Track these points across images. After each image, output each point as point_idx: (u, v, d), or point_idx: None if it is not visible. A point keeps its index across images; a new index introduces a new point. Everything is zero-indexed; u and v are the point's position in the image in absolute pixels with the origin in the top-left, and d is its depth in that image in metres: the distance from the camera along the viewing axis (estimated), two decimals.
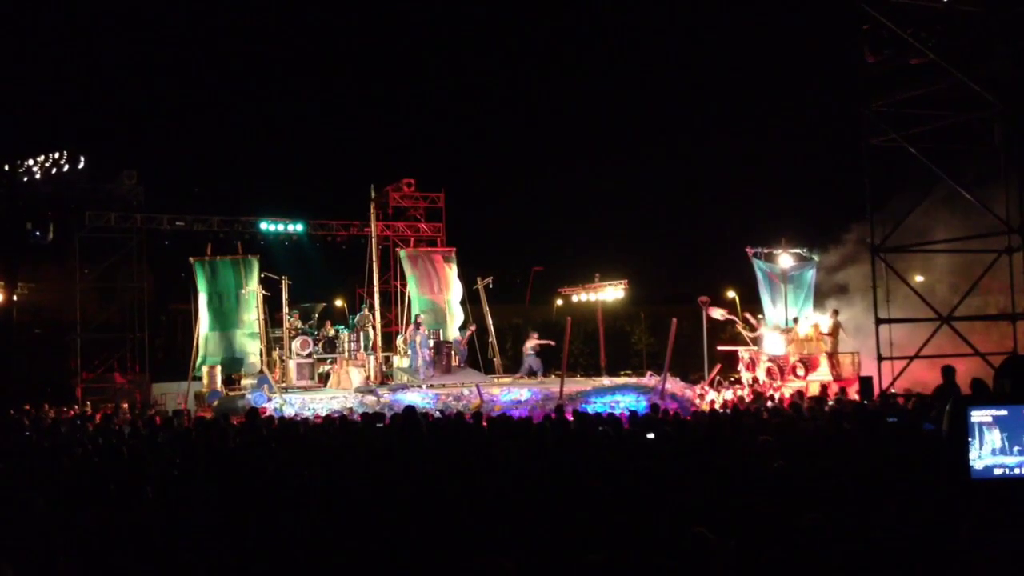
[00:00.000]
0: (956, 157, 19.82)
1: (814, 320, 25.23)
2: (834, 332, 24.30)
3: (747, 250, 26.85)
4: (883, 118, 19.44)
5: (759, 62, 40.83)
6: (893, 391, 18.61)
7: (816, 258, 26.83)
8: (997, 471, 4.67)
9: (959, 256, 21.13)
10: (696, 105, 43.49)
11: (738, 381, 25.67)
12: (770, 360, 25.02)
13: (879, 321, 19.23)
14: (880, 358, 19.14)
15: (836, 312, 24.69)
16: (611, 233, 42.02)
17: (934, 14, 18.43)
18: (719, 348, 27.21)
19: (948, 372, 13.23)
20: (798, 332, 25.07)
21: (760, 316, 26.42)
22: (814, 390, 21.92)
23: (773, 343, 25.37)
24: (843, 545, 5.61)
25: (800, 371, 24.27)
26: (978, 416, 4.66)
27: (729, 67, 43.18)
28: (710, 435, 11.21)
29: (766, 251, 26.84)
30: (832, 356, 24.17)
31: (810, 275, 26.56)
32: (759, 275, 26.73)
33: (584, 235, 43.17)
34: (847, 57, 19.90)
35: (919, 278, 23.46)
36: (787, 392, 21.79)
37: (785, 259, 26.61)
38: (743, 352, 26.01)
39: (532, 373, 26.51)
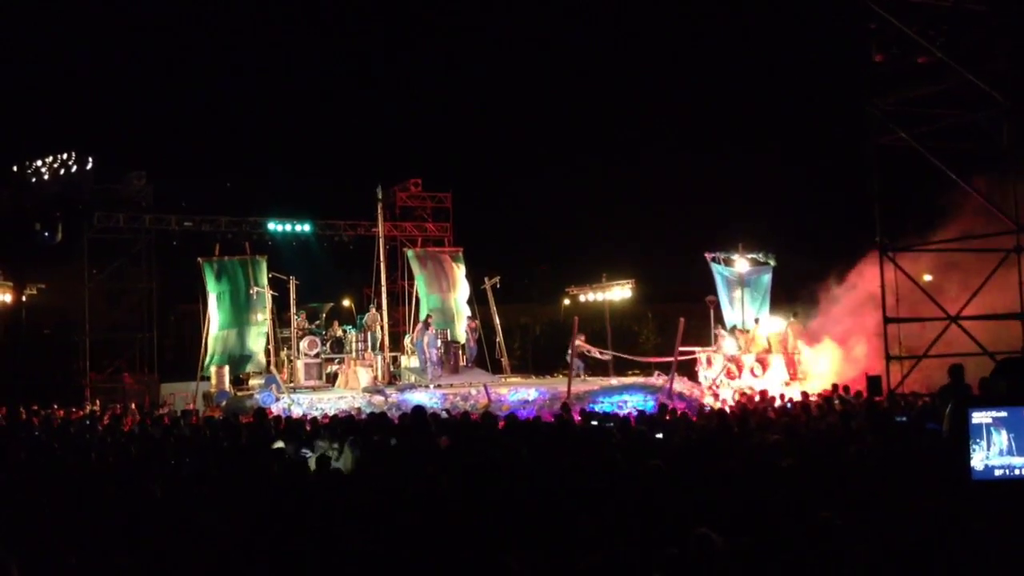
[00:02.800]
0: (963, 156, 19.77)
1: (772, 324, 26.02)
2: (789, 336, 25.28)
3: (706, 255, 27.39)
4: (890, 117, 19.41)
5: (765, 60, 40.73)
6: (910, 391, 18.60)
7: (772, 262, 27.41)
8: (998, 472, 4.66)
9: (967, 255, 21.07)
10: (700, 104, 43.42)
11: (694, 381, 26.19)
12: (728, 360, 25.45)
13: (887, 320, 19.20)
14: (888, 357, 19.11)
15: (796, 314, 25.77)
16: (618, 232, 41.94)
17: (941, 13, 18.39)
18: (680, 350, 27.52)
19: (956, 372, 13.19)
20: (759, 335, 25.69)
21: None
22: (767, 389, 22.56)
23: (730, 345, 25.85)
24: (852, 544, 5.62)
25: (757, 371, 24.89)
26: (979, 417, 4.66)
27: (735, 65, 43.08)
28: (718, 434, 11.22)
29: (724, 256, 27.40)
30: (791, 356, 24.91)
31: (766, 279, 27.23)
32: (717, 279, 27.28)
33: (591, 234, 43.10)
34: (854, 56, 19.88)
35: (927, 277, 23.43)
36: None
37: (742, 263, 27.21)
38: (700, 353, 26.38)
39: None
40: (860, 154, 20.22)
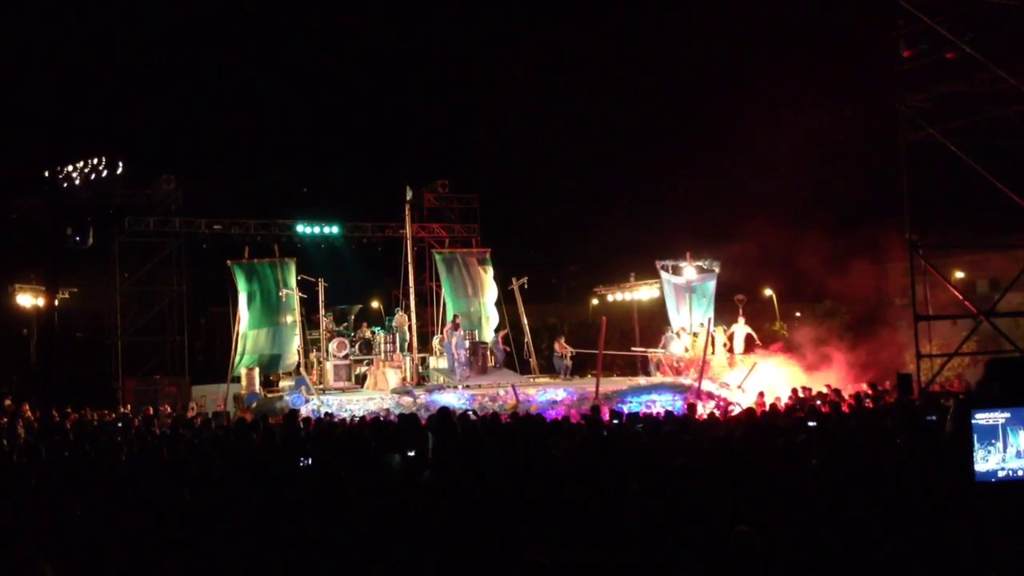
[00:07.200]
0: (993, 152, 19.59)
1: (715, 328, 26.43)
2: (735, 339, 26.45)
3: (656, 263, 28.20)
4: (920, 113, 19.26)
5: (791, 53, 40.43)
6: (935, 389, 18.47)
7: (716, 269, 28.08)
8: (1001, 473, 4.60)
9: (998, 252, 20.92)
10: (725, 103, 43.17)
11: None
12: (678, 361, 26.30)
13: (918, 318, 19.06)
14: (919, 355, 18.97)
15: (742, 318, 26.84)
16: (646, 232, 41.82)
17: (970, 8, 18.24)
18: (633, 350, 29.18)
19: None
20: (699, 341, 26.12)
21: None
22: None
23: (677, 346, 26.78)
24: (879, 544, 5.59)
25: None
26: (985, 418, 4.60)
27: (759, 62, 42.79)
28: (746, 435, 11.19)
29: (672, 264, 28.14)
30: (733, 359, 25.90)
31: (711, 285, 27.98)
32: (666, 286, 28.17)
33: (619, 234, 43.01)
34: (883, 52, 19.76)
35: (959, 274, 23.27)
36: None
37: (689, 271, 27.87)
38: (651, 355, 27.49)
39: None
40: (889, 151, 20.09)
